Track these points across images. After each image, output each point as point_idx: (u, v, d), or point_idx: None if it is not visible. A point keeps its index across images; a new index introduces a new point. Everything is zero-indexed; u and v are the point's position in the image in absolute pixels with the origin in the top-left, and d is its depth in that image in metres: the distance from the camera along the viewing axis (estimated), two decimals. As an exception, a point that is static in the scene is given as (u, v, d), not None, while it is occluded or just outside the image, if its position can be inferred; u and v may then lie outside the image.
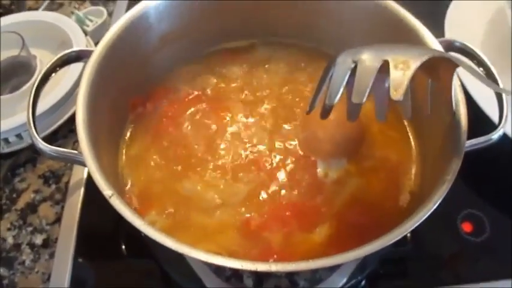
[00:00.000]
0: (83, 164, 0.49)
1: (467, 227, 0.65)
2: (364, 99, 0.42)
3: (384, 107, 0.50)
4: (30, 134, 0.53)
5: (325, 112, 0.46)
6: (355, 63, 0.44)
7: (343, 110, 0.59)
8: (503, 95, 0.54)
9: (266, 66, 0.69)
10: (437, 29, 0.58)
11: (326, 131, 0.58)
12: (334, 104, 0.44)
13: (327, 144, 0.58)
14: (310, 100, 0.48)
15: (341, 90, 0.44)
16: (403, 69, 0.42)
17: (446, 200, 0.46)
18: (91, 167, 0.48)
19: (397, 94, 0.41)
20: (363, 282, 0.62)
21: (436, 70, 0.47)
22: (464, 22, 0.80)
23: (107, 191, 0.46)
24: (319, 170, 0.58)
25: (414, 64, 0.42)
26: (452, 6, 0.82)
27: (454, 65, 0.46)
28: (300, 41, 0.71)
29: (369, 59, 0.44)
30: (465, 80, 0.63)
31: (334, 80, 0.45)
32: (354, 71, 0.44)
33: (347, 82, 0.44)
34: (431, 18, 0.61)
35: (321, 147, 0.58)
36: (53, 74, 0.57)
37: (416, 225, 0.44)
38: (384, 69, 0.43)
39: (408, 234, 0.65)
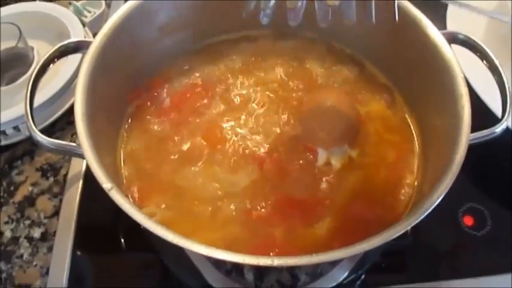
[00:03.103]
0: (82, 157, 0.49)
1: (468, 221, 0.65)
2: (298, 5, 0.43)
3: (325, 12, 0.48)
4: (28, 127, 0.52)
5: (265, 16, 0.47)
6: None
7: (335, 99, 0.59)
8: (507, 89, 0.54)
9: (267, 56, 0.69)
10: (439, 24, 0.58)
11: (321, 121, 0.58)
12: (270, 10, 0.46)
13: (325, 133, 0.57)
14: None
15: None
16: None
17: (448, 194, 0.46)
18: (90, 160, 0.47)
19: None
20: (363, 276, 0.62)
21: None
22: (465, 16, 0.80)
23: (106, 184, 0.45)
24: (320, 161, 0.58)
25: None
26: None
27: None
28: (302, 32, 0.70)
29: None
30: (468, 73, 0.63)
31: None
32: None
33: None
34: (433, 14, 0.60)
35: (319, 137, 0.58)
36: (51, 65, 0.57)
37: (420, 219, 0.44)
38: None
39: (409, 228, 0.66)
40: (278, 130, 0.61)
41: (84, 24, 0.83)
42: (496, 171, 0.70)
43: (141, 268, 0.64)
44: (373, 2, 0.46)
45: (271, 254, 0.51)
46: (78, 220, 0.65)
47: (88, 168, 0.68)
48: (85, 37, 0.80)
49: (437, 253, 0.64)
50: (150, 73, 0.66)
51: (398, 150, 0.60)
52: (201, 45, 0.70)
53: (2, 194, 0.71)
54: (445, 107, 0.54)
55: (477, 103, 0.62)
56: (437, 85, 0.56)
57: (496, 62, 0.55)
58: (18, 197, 0.70)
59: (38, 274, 0.63)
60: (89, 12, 0.87)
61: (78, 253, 0.63)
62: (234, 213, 0.55)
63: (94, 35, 0.58)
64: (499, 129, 0.52)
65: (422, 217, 0.44)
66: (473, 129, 0.51)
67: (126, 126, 0.63)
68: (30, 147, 0.75)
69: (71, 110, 0.75)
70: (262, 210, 0.55)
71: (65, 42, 0.58)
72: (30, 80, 0.54)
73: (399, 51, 0.62)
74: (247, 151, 0.60)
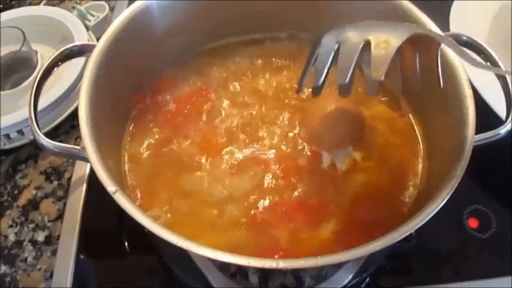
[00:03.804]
0: (86, 160, 0.49)
1: (473, 223, 0.65)
2: (347, 80, 0.43)
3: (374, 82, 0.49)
4: (32, 130, 0.52)
5: (316, 91, 0.47)
6: (339, 43, 0.45)
7: (338, 99, 0.59)
8: (511, 90, 0.54)
9: (272, 59, 0.69)
10: (443, 26, 0.58)
11: (325, 123, 0.58)
12: (320, 85, 0.46)
13: (329, 135, 0.58)
14: (298, 81, 0.50)
15: (325, 71, 0.45)
16: (384, 49, 0.42)
17: (453, 196, 0.46)
18: (94, 163, 0.47)
19: (378, 74, 0.41)
20: (367, 279, 0.62)
21: (422, 46, 0.47)
22: (468, 19, 0.80)
23: (110, 187, 0.45)
24: (325, 163, 0.58)
25: (395, 43, 0.42)
26: (456, 3, 0.82)
27: (437, 42, 0.45)
28: (309, 36, 0.70)
29: (351, 39, 0.44)
30: (472, 75, 0.63)
31: (318, 62, 0.46)
32: (338, 51, 0.45)
33: (334, 61, 0.45)
34: (436, 15, 0.61)
35: (323, 139, 0.58)
36: (55, 69, 0.57)
37: (425, 221, 0.44)
38: (368, 47, 0.43)
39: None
40: (282, 133, 0.61)
41: (87, 28, 0.83)
42: (500, 173, 0.69)
43: (145, 271, 0.63)
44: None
45: (276, 256, 0.51)
46: (82, 223, 0.65)
47: (92, 171, 0.69)
48: (89, 41, 0.80)
49: (442, 255, 0.63)
50: (155, 76, 0.66)
51: (402, 152, 0.60)
52: (206, 48, 0.70)
53: (6, 197, 0.71)
54: (449, 109, 0.54)
55: (481, 105, 0.62)
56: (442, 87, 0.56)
57: (500, 63, 0.55)
58: (22, 200, 0.70)
59: (42, 278, 0.63)
60: (93, 16, 0.87)
61: (82, 257, 0.63)
62: (238, 216, 0.55)
63: (98, 39, 0.58)
64: (503, 130, 0.52)
65: (427, 219, 0.44)
66: (477, 130, 0.51)
67: (130, 129, 0.63)
68: (34, 150, 0.75)
69: (74, 114, 0.75)
70: (267, 213, 0.55)
71: (69, 45, 0.58)
72: (34, 83, 0.54)
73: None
74: (251, 154, 0.60)
